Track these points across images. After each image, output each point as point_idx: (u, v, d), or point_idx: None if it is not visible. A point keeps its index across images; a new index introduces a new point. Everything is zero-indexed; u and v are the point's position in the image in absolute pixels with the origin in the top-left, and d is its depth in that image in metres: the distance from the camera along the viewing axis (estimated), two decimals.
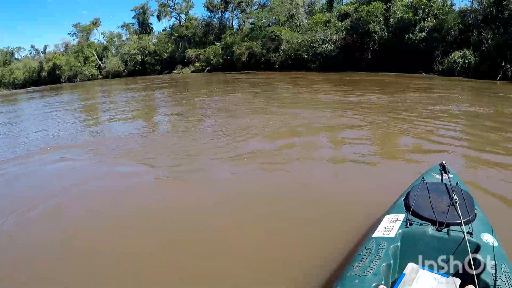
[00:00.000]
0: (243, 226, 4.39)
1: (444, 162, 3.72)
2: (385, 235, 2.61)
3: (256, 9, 45.93)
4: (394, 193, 3.53)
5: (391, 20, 29.16)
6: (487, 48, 23.89)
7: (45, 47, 79.60)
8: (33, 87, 63.81)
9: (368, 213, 3.94)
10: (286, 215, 4.47)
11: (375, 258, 2.34)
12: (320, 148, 7.68)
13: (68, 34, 78.93)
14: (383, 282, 2.16)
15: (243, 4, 47.01)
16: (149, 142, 9.12)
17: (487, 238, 2.50)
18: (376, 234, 2.68)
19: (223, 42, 45.27)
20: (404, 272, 2.37)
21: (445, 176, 3.46)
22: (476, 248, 2.39)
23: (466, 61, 24.34)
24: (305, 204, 4.79)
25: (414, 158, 6.58)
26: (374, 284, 2.11)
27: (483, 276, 2.14)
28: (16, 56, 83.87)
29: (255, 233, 4.16)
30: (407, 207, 2.93)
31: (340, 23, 31.86)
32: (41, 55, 79.52)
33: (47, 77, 67.42)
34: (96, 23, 70.12)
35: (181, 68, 49.56)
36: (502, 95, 14.79)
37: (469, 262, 2.31)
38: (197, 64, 47.44)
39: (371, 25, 29.15)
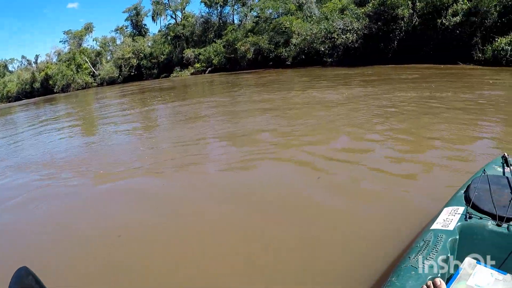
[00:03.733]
0: (290, 221, 4.42)
1: (506, 154, 3.50)
2: (444, 228, 2.53)
3: (259, 0, 41.73)
4: (454, 185, 3.44)
5: (418, 4, 25.71)
6: None
7: (37, 56, 77.50)
8: (27, 100, 61.04)
9: (428, 206, 3.87)
10: (343, 212, 4.51)
11: (433, 250, 2.27)
12: (375, 143, 7.29)
13: (60, 41, 75.97)
14: (439, 275, 2.10)
15: None
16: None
17: None
18: (435, 226, 2.58)
19: (224, 39, 41.63)
20: (461, 266, 2.30)
21: (507, 169, 3.26)
22: None
23: None
24: (363, 198, 4.82)
25: (474, 150, 6.25)
26: (430, 277, 2.04)
27: None
28: (10, 68, 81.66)
29: (311, 230, 4.16)
30: (467, 200, 2.79)
31: (359, 9, 28.05)
32: (33, 65, 76.86)
33: (40, 88, 65.08)
34: (88, 29, 66.88)
35: (180, 71, 46.02)
36: None
37: None
38: (197, 65, 43.96)
39: (399, 9, 25.69)
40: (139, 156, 8.48)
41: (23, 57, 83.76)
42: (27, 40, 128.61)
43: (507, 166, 3.37)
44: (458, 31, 23.66)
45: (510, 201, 2.63)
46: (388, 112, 9.60)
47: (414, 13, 25.79)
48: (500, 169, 3.36)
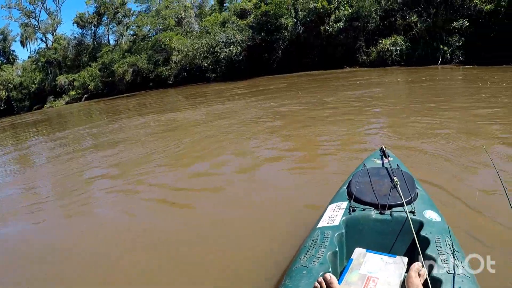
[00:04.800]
0: (187, 234, 4.38)
1: (383, 146, 3.69)
2: (329, 224, 2.60)
3: (136, 17, 38.64)
4: (339, 183, 3.56)
5: (300, 12, 25.20)
6: (418, 33, 21.21)
7: None
8: None
9: (316, 206, 3.93)
10: (229, 221, 4.46)
11: (321, 247, 2.32)
12: (259, 154, 7.13)
13: None
14: (330, 270, 2.14)
15: (119, 15, 39.57)
16: None
17: (430, 214, 2.54)
18: (321, 224, 2.67)
19: (100, 62, 37.50)
20: (352, 257, 2.37)
21: (385, 160, 3.47)
22: (420, 226, 2.42)
23: (398, 48, 21.40)
24: (248, 208, 4.78)
25: (355, 148, 6.48)
26: (321, 273, 2.07)
27: (428, 252, 2.15)
28: None
29: (202, 239, 4.14)
30: (349, 194, 2.91)
31: (242, 21, 26.84)
32: None
33: None
34: None
35: (54, 100, 40.71)
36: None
37: (414, 240, 2.25)
38: (72, 92, 39.08)
39: (282, 18, 24.78)
40: None
41: None
42: None
43: (385, 157, 3.49)
44: (342, 36, 23.42)
45: (390, 189, 2.77)
46: (254, 123, 9.80)
47: (298, 22, 25.01)
48: (379, 161, 3.48)
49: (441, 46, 19.74)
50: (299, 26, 24.80)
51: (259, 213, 4.52)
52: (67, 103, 39.15)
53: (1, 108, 47.28)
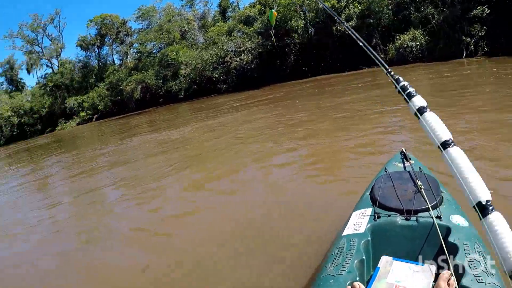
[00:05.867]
0: (218, 241, 4.32)
1: (403, 149, 3.52)
2: (355, 232, 2.48)
3: (138, 35, 38.36)
4: (362, 189, 3.31)
5: (308, 14, 24.20)
6: (436, 25, 19.77)
7: None
8: None
9: (340, 214, 3.57)
10: (256, 232, 4.37)
11: (348, 255, 2.23)
12: (285, 162, 6.96)
13: None
14: (357, 278, 2.04)
15: (121, 34, 39.31)
16: None
17: (457, 219, 2.38)
18: (346, 232, 2.54)
19: (107, 82, 37.24)
20: (378, 265, 2.22)
21: (407, 164, 3.29)
22: (447, 231, 2.27)
23: (418, 43, 19.95)
24: (274, 218, 4.70)
25: (373, 152, 6.37)
26: (349, 282, 1.98)
27: (457, 259, 1.99)
28: None
29: (232, 249, 4.11)
30: (373, 200, 2.74)
31: (249, 28, 25.86)
32: None
33: None
34: None
35: (65, 123, 40.69)
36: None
37: (442, 246, 2.13)
38: (82, 113, 38.94)
39: (292, 21, 23.67)
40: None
41: None
42: None
43: (407, 160, 3.33)
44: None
45: (415, 193, 2.62)
46: (261, 135, 9.61)
47: (307, 23, 24.02)
48: (401, 165, 3.32)
49: (463, 38, 18.23)
50: (309, 28, 23.83)
51: (283, 224, 4.42)
52: (78, 124, 39.12)
53: (14, 133, 47.13)
